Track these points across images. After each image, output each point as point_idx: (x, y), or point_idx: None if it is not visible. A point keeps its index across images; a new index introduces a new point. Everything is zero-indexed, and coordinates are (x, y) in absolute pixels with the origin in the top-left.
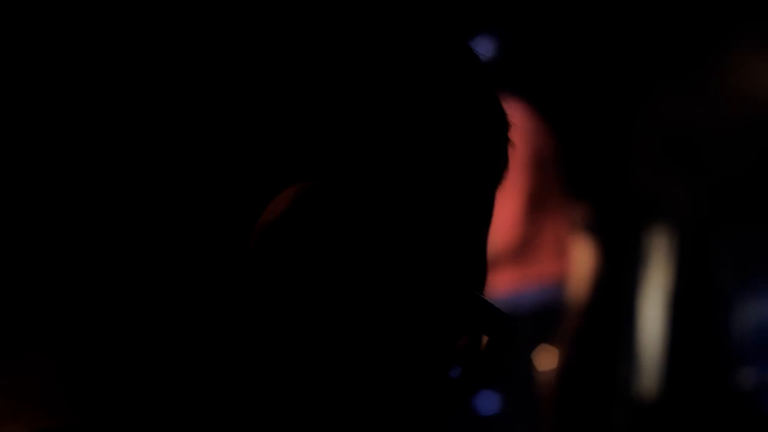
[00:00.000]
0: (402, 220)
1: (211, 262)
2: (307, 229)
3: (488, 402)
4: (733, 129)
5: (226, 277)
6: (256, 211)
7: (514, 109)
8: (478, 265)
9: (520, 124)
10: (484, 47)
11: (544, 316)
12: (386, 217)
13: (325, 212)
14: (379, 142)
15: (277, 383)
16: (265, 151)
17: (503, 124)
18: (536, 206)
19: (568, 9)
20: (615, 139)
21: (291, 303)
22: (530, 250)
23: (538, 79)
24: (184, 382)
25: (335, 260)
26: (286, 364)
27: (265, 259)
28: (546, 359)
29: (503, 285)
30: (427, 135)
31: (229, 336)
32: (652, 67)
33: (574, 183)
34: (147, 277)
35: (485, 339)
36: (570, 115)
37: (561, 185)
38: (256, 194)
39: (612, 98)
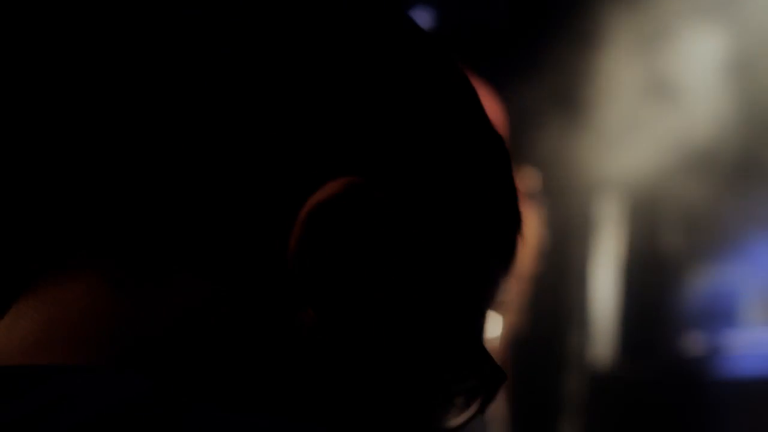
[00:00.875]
0: (430, 224)
1: (257, 233)
2: (356, 215)
3: None
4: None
5: (269, 248)
6: (302, 196)
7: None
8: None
9: None
10: (424, 19)
11: None
12: (417, 218)
13: (374, 205)
14: (406, 147)
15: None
16: (300, 148)
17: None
18: None
19: None
20: (561, 108)
21: (339, 287)
22: None
23: (480, 46)
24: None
25: (377, 249)
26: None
27: (314, 234)
28: (492, 326)
29: None
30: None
31: (271, 315)
32: (599, 32)
33: (519, 151)
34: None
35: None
36: (514, 83)
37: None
38: (294, 188)
39: (558, 65)
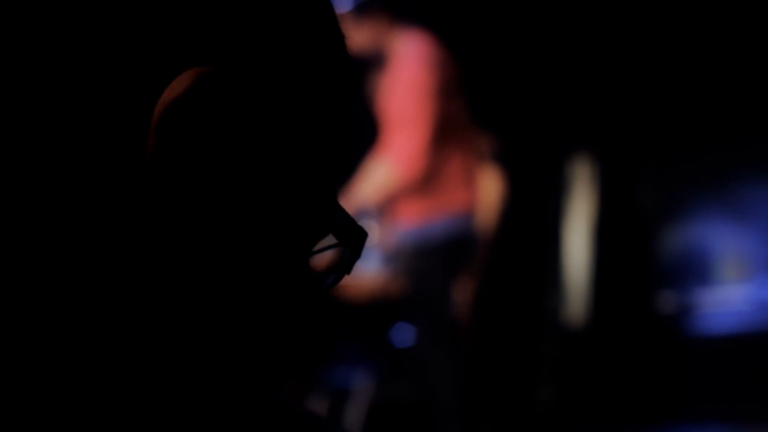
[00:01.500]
0: (280, 106)
1: (112, 141)
2: (209, 107)
3: (403, 334)
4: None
5: (128, 156)
6: (153, 94)
7: (419, 39)
8: (338, 166)
9: (425, 53)
10: None
11: (455, 247)
12: (269, 102)
13: (224, 93)
14: (252, 35)
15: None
16: (152, 39)
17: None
18: (443, 135)
19: None
20: (532, 67)
21: (194, 176)
22: (438, 180)
23: (444, 7)
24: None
25: (231, 138)
26: (180, 238)
27: (169, 134)
28: (461, 289)
29: (412, 216)
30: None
31: (131, 212)
32: None
33: (484, 112)
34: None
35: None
36: (479, 43)
37: (469, 115)
38: (149, 79)
39: (526, 25)
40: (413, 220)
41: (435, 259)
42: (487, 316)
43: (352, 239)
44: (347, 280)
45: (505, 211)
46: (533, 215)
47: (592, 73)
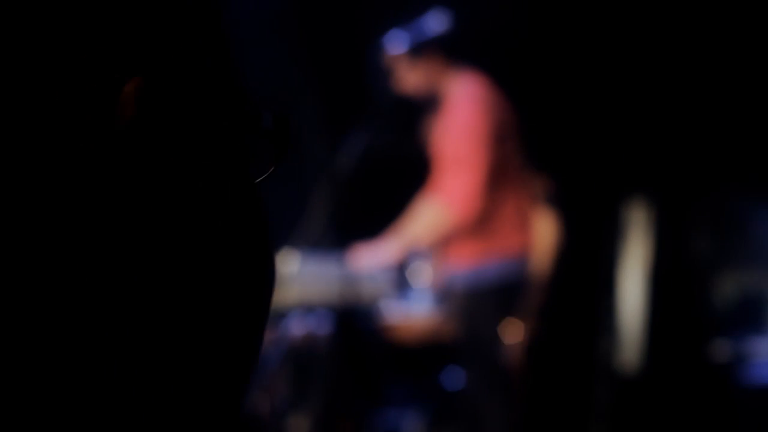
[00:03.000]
0: (208, 101)
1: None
2: (166, 123)
3: (454, 377)
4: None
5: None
6: (98, 116)
7: (474, 81)
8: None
9: (480, 95)
10: (442, 20)
11: (508, 290)
12: (202, 99)
13: (173, 102)
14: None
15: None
16: (89, 50)
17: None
18: (497, 178)
19: None
20: (586, 109)
21: (163, 193)
22: (492, 223)
23: (499, 50)
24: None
25: (186, 147)
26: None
27: (136, 160)
28: (512, 332)
29: (465, 258)
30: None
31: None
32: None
33: (538, 155)
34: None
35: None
36: (535, 86)
37: (523, 157)
38: (92, 96)
39: (580, 68)
40: (466, 263)
41: (487, 303)
42: (541, 361)
43: (278, 131)
44: (399, 322)
45: (559, 255)
46: (587, 259)
47: (648, 116)
